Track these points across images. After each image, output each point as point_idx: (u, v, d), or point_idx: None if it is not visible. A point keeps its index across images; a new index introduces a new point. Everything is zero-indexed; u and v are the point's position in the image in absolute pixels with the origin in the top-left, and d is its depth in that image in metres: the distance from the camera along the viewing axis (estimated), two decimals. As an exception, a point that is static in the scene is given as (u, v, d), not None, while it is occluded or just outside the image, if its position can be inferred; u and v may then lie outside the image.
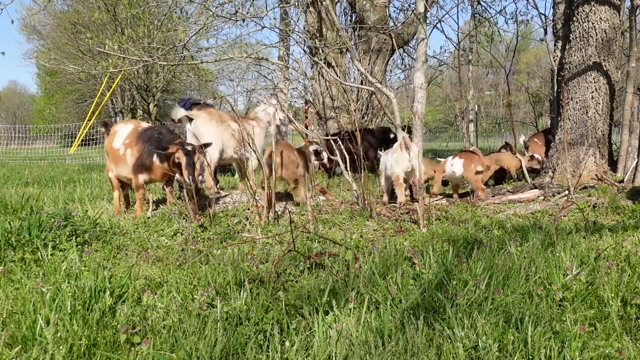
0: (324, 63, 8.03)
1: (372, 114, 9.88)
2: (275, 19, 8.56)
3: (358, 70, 7.04)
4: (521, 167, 7.01)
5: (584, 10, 6.02)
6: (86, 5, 18.59)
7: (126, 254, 3.12)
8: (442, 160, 5.99)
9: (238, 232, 3.72)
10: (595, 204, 4.63)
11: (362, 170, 4.68)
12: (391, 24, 10.38)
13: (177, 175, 4.37)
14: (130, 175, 4.61)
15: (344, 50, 9.38)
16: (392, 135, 8.15)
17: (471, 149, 6.78)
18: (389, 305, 2.08)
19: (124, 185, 5.00)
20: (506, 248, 2.91)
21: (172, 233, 3.67)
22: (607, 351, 1.77)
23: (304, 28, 9.34)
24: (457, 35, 12.32)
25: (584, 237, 3.23)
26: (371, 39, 9.67)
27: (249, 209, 4.55)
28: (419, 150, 4.88)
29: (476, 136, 13.45)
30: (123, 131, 4.79)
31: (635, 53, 5.97)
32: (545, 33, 8.88)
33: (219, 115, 5.51)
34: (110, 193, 5.89)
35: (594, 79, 6.01)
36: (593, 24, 5.97)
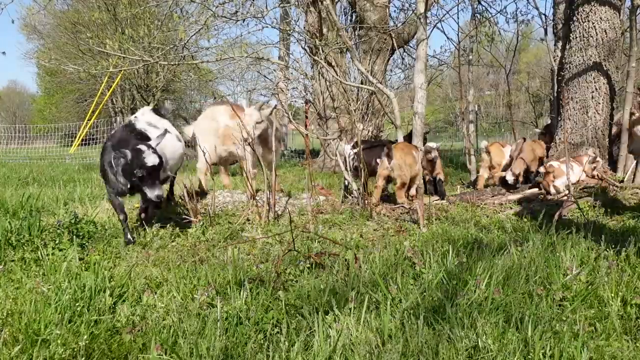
0: (324, 63, 8.02)
1: (372, 114, 9.88)
2: (275, 18, 8.56)
3: (358, 70, 7.03)
4: None
5: (584, 10, 6.02)
6: (86, 5, 18.57)
7: (126, 254, 3.12)
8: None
9: (239, 231, 3.72)
10: (595, 204, 4.63)
11: (363, 171, 4.67)
12: (391, 23, 10.38)
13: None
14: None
15: (344, 50, 9.37)
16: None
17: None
18: (389, 305, 2.08)
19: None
20: (506, 248, 2.90)
21: (172, 235, 3.66)
22: (607, 351, 1.77)
23: (304, 28, 9.33)
24: (458, 35, 12.30)
25: (584, 237, 3.23)
26: (371, 38, 9.66)
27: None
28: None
29: (476, 136, 13.43)
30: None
31: (635, 53, 5.97)
32: (546, 33, 8.86)
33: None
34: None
35: (594, 78, 6.01)
36: (593, 24, 5.96)
